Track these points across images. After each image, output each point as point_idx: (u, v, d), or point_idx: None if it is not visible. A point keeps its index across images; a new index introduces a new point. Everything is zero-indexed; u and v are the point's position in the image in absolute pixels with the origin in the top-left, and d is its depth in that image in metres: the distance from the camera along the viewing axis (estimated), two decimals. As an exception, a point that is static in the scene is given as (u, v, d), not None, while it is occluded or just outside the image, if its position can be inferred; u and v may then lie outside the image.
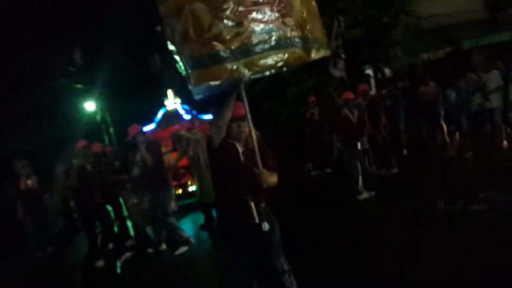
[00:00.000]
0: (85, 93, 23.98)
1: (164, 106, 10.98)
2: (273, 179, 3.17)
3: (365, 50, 12.60)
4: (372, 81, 14.95)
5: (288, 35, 2.85)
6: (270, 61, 2.75)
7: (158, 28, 24.45)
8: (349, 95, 7.68)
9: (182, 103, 11.04)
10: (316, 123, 10.47)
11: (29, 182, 8.22)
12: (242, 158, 3.21)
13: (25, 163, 8.54)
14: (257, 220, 3.10)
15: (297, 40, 2.92)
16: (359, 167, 7.50)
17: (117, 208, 7.84)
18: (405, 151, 10.75)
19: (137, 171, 6.87)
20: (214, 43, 2.62)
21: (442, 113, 9.52)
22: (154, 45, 24.22)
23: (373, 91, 15.45)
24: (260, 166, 3.05)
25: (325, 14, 11.27)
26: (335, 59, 11.64)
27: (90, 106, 24.41)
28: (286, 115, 12.43)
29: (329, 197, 8.31)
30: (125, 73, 22.69)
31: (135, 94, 23.44)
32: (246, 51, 2.67)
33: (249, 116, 3.06)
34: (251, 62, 2.69)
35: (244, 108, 3.05)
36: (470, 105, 8.50)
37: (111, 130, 25.05)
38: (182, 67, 2.91)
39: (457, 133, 9.48)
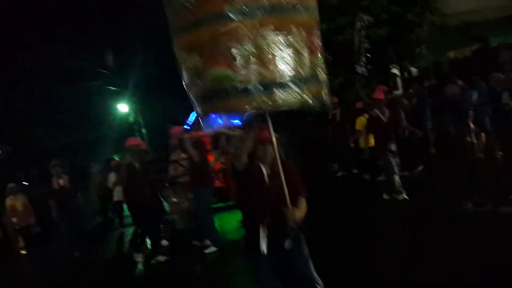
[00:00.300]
0: (118, 95, 24.70)
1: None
2: (300, 212, 3.14)
3: (390, 48, 12.52)
4: (398, 80, 14.86)
5: (303, 74, 2.81)
6: (287, 97, 2.71)
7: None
8: (379, 95, 7.58)
9: None
10: (338, 124, 10.48)
11: (61, 181, 8.45)
12: (267, 180, 3.19)
13: (56, 163, 8.73)
14: (282, 243, 3.12)
15: (310, 79, 2.88)
16: (395, 166, 7.38)
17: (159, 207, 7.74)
18: (433, 150, 10.64)
19: (179, 170, 6.96)
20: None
21: (470, 112, 9.39)
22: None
23: (399, 90, 15.37)
24: (289, 203, 3.02)
25: (348, 12, 11.39)
26: (359, 57, 11.60)
27: (123, 107, 25.14)
28: (311, 115, 12.48)
29: (357, 197, 8.30)
30: (157, 75, 23.22)
31: (167, 96, 23.95)
32: (264, 86, 2.66)
33: (274, 140, 3.04)
34: (268, 98, 2.66)
35: (269, 132, 3.03)
36: (497, 105, 8.35)
37: (143, 130, 25.68)
38: (193, 100, 2.96)
39: (482, 134, 9.35)
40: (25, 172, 19.16)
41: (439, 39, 12.91)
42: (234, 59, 2.63)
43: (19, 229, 10.23)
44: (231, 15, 2.60)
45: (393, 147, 7.34)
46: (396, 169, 7.38)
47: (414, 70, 14.40)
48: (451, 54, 13.79)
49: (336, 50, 11.50)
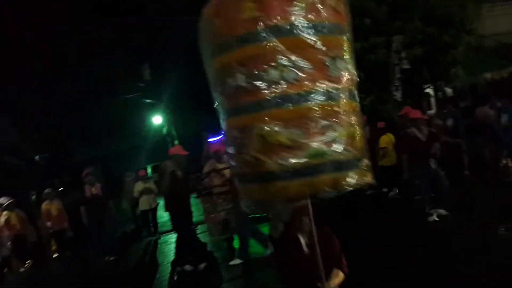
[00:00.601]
0: (153, 108, 25.33)
1: None
2: (334, 285, 3.04)
3: (425, 69, 12.44)
4: (432, 100, 14.71)
5: (349, 157, 2.55)
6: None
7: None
8: (417, 114, 7.55)
9: None
10: (367, 142, 10.36)
11: (94, 189, 8.74)
12: (306, 250, 3.05)
13: (90, 171, 9.05)
14: None
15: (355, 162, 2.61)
16: (428, 187, 7.28)
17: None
18: (466, 172, 10.45)
19: (215, 180, 6.97)
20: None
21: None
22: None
23: (433, 110, 15.18)
24: (323, 278, 2.90)
25: (383, 33, 11.41)
26: (393, 79, 11.61)
27: (157, 119, 25.74)
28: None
29: (390, 217, 8.24)
30: (190, 89, 23.70)
31: (199, 109, 24.40)
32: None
33: (310, 210, 2.86)
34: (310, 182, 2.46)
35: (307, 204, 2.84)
36: None
37: (176, 142, 26.13)
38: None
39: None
40: (61, 178, 19.81)
41: (475, 60, 12.71)
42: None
43: (52, 233, 10.61)
44: None
45: (432, 165, 7.21)
46: (429, 190, 7.27)
47: (449, 90, 14.20)
48: (488, 76, 13.52)
49: (369, 69, 11.52)
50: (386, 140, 9.82)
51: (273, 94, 2.42)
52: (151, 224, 11.06)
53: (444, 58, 12.21)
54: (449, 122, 11.11)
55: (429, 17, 11.99)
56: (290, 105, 2.41)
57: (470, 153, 10.46)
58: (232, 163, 2.75)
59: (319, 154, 2.42)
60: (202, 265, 6.84)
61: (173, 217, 7.22)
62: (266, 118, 2.42)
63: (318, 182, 2.45)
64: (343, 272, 3.12)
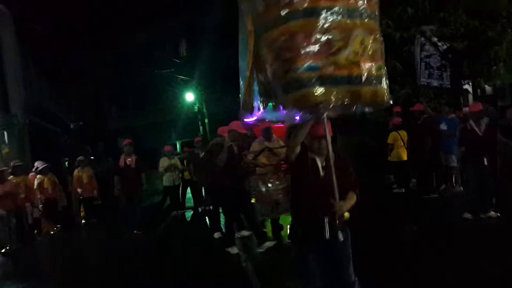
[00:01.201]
0: (186, 84, 25.53)
1: None
2: (347, 205, 3.23)
3: (465, 64, 12.02)
4: (470, 97, 14.24)
5: (374, 73, 2.99)
6: (356, 94, 2.93)
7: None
8: (477, 107, 7.17)
9: None
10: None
11: (129, 160, 8.85)
12: (322, 173, 3.28)
13: (128, 142, 9.06)
14: (327, 235, 3.19)
15: (380, 79, 3.07)
16: (477, 185, 6.95)
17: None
18: (498, 174, 10.17)
19: (269, 160, 6.86)
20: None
21: None
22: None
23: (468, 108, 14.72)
24: (337, 195, 3.12)
25: (425, 23, 11.06)
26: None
27: (189, 96, 25.94)
28: (372, 123, 12.28)
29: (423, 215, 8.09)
30: (223, 68, 23.75)
31: (231, 88, 24.47)
32: (334, 80, 2.86)
33: (328, 137, 3.17)
34: (338, 91, 2.87)
35: (325, 128, 3.14)
36: None
37: (206, 120, 26.36)
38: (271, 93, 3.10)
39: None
40: (93, 147, 20.36)
41: (519, 58, 12.20)
42: (327, 51, 2.85)
43: (82, 200, 11.00)
44: (323, 13, 2.83)
45: (485, 161, 6.89)
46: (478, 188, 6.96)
47: (488, 88, 13.74)
48: (531, 76, 12.98)
49: (406, 60, 11.25)
50: (395, 136, 10.11)
51: None
52: (175, 200, 11.07)
53: (486, 54, 11.78)
54: (485, 121, 10.78)
55: (475, 10, 11.55)
56: None
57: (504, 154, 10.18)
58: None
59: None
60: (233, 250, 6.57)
61: (220, 195, 6.92)
62: None
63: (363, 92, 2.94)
64: (356, 197, 3.33)
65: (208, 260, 6.45)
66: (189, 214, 10.86)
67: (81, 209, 11.23)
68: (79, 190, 10.80)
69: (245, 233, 7.20)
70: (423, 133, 9.46)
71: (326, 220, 3.21)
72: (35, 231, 9.70)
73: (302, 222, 3.41)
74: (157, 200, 11.48)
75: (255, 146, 7.06)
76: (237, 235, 7.19)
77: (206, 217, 8.70)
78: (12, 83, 11.65)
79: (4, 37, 11.67)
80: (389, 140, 10.22)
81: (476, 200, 7.01)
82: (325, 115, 3.08)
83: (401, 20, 11.23)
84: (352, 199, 3.31)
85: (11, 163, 9.39)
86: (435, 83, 11.21)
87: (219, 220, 7.87)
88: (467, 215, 6.95)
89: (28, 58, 14.05)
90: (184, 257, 6.84)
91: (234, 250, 6.53)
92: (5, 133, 10.77)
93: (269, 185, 7.03)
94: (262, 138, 7.11)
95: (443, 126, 9.36)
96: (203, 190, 9.98)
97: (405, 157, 10.12)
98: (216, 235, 7.61)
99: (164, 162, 10.76)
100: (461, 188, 9.22)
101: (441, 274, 4.72)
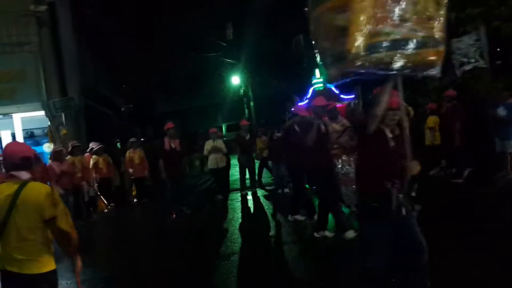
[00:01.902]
0: (233, 68, 25.71)
1: (312, 84, 11.28)
2: (418, 167, 3.36)
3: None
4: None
5: (435, 35, 3.03)
6: (416, 57, 2.97)
7: (306, 9, 25.00)
8: None
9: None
10: (450, 120, 9.79)
11: (173, 143, 8.96)
12: (391, 143, 3.40)
13: (170, 125, 9.14)
14: (395, 205, 3.30)
15: (439, 40, 3.09)
16: None
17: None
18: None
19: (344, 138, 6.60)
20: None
21: None
22: (298, 26, 24.80)
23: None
24: (410, 155, 3.26)
25: (482, 5, 10.58)
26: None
27: (235, 80, 26.13)
28: (421, 107, 11.89)
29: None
30: (269, 51, 23.70)
31: (276, 73, 24.44)
32: (396, 45, 2.92)
33: (403, 104, 3.31)
34: (401, 55, 2.92)
35: (399, 97, 3.26)
36: None
37: (252, 104, 26.50)
38: (322, 58, 3.29)
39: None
40: (143, 129, 20.98)
41: None
42: (393, 17, 2.90)
43: (134, 180, 11.40)
44: None
45: None
46: None
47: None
48: None
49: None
50: (433, 120, 10.31)
51: None
52: (220, 183, 11.09)
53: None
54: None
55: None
56: None
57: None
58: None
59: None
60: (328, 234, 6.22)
61: (312, 174, 6.63)
62: None
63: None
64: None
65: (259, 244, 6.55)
66: (235, 196, 11.01)
67: (133, 189, 11.66)
68: (130, 170, 11.19)
69: (300, 217, 7.18)
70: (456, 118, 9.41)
71: (395, 190, 3.32)
72: (91, 209, 10.18)
73: (369, 194, 3.47)
74: (203, 182, 11.75)
75: (336, 126, 6.70)
76: (290, 218, 7.32)
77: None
78: (69, 67, 12.11)
79: (61, 21, 12.10)
80: (430, 124, 10.38)
81: None
82: (400, 84, 3.18)
83: (457, 0, 10.75)
84: (417, 167, 3.38)
85: (69, 144, 9.85)
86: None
87: (299, 201, 7.49)
88: None
89: (83, 43, 14.54)
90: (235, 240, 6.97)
91: (329, 233, 6.13)
92: (63, 115, 11.26)
93: (352, 166, 6.73)
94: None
95: (502, 111, 8.96)
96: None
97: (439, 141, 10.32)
98: (292, 218, 7.35)
99: (208, 145, 10.77)
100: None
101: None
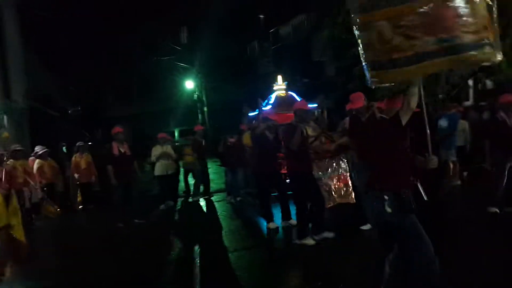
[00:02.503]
0: (186, 72, 25.46)
1: (273, 90, 11.22)
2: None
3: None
4: (471, 92, 14.26)
5: (463, 41, 3.08)
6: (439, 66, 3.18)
7: (261, 16, 25.34)
8: (508, 98, 6.80)
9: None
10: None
11: (122, 148, 8.58)
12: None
13: (118, 129, 8.78)
14: (425, 197, 3.69)
15: (470, 44, 3.13)
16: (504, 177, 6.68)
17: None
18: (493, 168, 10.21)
19: (326, 146, 6.86)
20: (393, 52, 3.15)
21: None
22: (254, 32, 25.01)
23: (470, 102, 14.75)
24: (430, 151, 3.56)
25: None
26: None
27: (189, 84, 25.87)
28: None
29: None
30: (224, 57, 23.68)
31: (230, 78, 24.46)
32: (419, 58, 3.08)
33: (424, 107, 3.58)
34: (424, 67, 3.10)
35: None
36: None
37: (205, 109, 26.34)
38: (365, 68, 3.44)
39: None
40: (91, 133, 20.34)
41: (523, 54, 12.12)
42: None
43: (80, 185, 10.97)
44: None
45: None
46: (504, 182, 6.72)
47: (489, 83, 13.70)
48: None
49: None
50: None
51: None
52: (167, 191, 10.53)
53: (490, 49, 11.70)
54: (486, 115, 10.80)
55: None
56: None
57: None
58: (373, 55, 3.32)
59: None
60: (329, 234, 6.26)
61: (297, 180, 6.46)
62: None
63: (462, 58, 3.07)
64: None
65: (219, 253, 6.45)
66: (183, 203, 10.81)
67: (79, 195, 11.20)
68: (76, 175, 10.77)
69: (293, 222, 6.98)
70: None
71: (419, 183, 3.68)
72: (33, 215, 9.69)
73: (399, 190, 3.51)
74: (152, 189, 11.45)
75: (310, 131, 6.77)
76: (283, 224, 7.15)
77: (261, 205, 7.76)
78: (14, 69, 11.63)
79: (7, 23, 11.61)
80: None
81: (504, 193, 6.74)
82: (421, 89, 3.46)
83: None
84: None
85: (11, 147, 9.35)
86: None
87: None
88: (492, 209, 6.73)
89: (29, 44, 13.98)
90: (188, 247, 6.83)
91: (310, 241, 6.06)
92: (5, 117, 10.74)
93: (324, 171, 6.98)
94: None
95: (443, 122, 9.34)
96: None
97: None
98: (272, 225, 7.16)
99: (157, 150, 10.28)
100: (459, 182, 9.29)
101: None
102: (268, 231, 7.12)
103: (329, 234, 6.23)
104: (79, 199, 11.16)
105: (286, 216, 7.15)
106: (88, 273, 5.85)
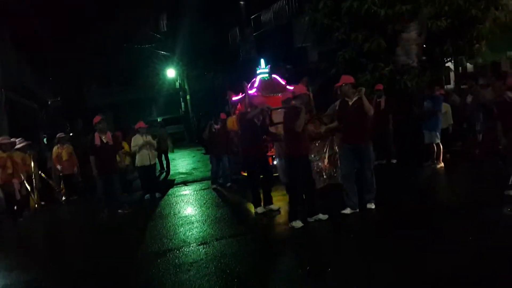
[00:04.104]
0: (167, 60, 25.08)
1: (257, 74, 11.10)
2: None
3: (448, 42, 12.05)
4: (452, 75, 14.40)
5: None
6: None
7: (241, 2, 25.07)
8: None
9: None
10: (381, 113, 10.24)
11: (104, 137, 8.38)
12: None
13: (99, 118, 8.52)
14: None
15: None
16: None
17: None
18: (476, 151, 10.38)
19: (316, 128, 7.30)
20: None
21: None
22: (234, 19, 24.72)
23: (451, 85, 14.90)
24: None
25: (409, 2, 11.03)
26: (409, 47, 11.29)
27: (170, 72, 25.52)
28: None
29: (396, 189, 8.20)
30: (205, 44, 23.40)
31: (213, 65, 24.22)
32: None
33: None
34: None
35: None
36: None
37: (188, 97, 26.09)
38: None
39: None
40: (72, 124, 20.01)
41: (501, 37, 12.27)
42: None
43: (62, 177, 10.78)
44: None
45: None
46: None
47: (469, 66, 13.84)
48: (512, 54, 13.13)
49: (391, 38, 11.24)
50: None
51: None
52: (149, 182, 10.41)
53: (469, 33, 11.80)
54: (469, 98, 10.90)
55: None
56: None
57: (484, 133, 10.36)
58: None
59: None
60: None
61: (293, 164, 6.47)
62: None
63: None
64: None
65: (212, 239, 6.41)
66: (168, 192, 10.74)
67: (62, 186, 11.02)
68: (58, 167, 10.59)
69: (274, 207, 7.20)
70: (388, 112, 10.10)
71: None
72: (15, 207, 9.50)
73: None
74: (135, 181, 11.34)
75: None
76: (266, 209, 7.19)
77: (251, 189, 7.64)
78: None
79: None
80: None
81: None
82: None
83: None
84: None
85: None
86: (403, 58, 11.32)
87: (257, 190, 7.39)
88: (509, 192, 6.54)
89: (5, 34, 13.59)
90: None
91: (299, 223, 6.13)
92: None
93: (316, 154, 7.27)
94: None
95: (428, 104, 9.43)
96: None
97: None
98: (260, 209, 7.25)
99: (138, 140, 9.99)
100: (442, 165, 9.40)
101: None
102: (256, 216, 7.18)
103: (323, 216, 6.31)
104: (62, 191, 10.99)
105: (268, 201, 7.28)
106: (74, 264, 5.81)
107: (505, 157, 6.97)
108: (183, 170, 14.26)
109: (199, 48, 23.33)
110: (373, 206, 6.54)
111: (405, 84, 11.09)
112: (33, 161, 9.97)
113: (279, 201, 7.46)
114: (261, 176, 7.38)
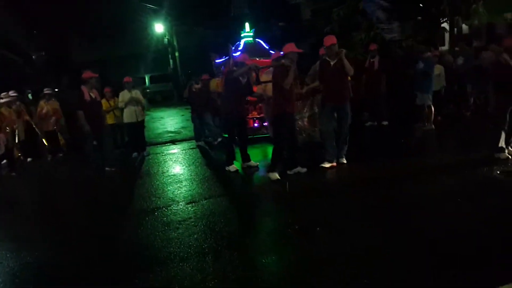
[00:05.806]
0: (156, 15, 24.35)
1: (242, 37, 10.86)
2: None
3: (444, 1, 11.78)
4: (446, 36, 14.14)
5: None
6: None
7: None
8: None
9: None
10: (374, 73, 10.14)
11: (92, 94, 8.14)
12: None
13: (92, 74, 8.25)
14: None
15: None
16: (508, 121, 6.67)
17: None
18: (467, 113, 10.39)
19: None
20: None
21: None
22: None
23: (445, 46, 14.69)
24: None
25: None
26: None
27: (159, 28, 24.84)
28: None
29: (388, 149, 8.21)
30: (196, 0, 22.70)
31: (202, 21, 23.58)
32: None
33: None
34: None
35: None
36: None
37: (177, 54, 25.54)
38: None
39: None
40: (58, 79, 19.52)
41: (499, -2, 12.04)
42: None
43: (48, 133, 10.56)
44: None
45: None
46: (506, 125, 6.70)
47: (465, 27, 13.60)
48: (509, 16, 12.88)
49: None
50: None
51: None
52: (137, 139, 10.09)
53: (467, -8, 11.56)
54: (460, 61, 10.79)
55: None
56: None
57: (476, 95, 10.33)
58: None
59: None
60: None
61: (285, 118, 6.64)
62: None
63: None
64: None
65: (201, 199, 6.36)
66: (158, 150, 10.64)
67: (47, 143, 10.80)
68: (44, 123, 10.36)
69: (252, 163, 7.49)
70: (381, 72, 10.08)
71: None
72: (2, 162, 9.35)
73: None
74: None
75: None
76: (244, 166, 7.51)
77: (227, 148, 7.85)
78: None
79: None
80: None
81: (508, 134, 6.73)
82: None
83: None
84: None
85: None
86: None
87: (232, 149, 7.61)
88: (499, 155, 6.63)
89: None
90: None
91: (275, 175, 6.51)
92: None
93: (297, 113, 7.53)
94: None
95: (420, 65, 9.30)
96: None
97: None
98: (232, 167, 7.43)
99: (125, 96, 9.59)
100: (433, 127, 9.36)
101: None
102: (244, 174, 7.30)
103: (302, 169, 6.73)
104: (47, 147, 10.78)
105: (245, 158, 7.56)
106: (59, 223, 5.74)
107: (495, 119, 6.96)
108: (172, 129, 14.12)
109: (188, 2, 22.61)
110: (345, 161, 7.01)
111: (400, 44, 10.93)
112: (22, 114, 9.76)
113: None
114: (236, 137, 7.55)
